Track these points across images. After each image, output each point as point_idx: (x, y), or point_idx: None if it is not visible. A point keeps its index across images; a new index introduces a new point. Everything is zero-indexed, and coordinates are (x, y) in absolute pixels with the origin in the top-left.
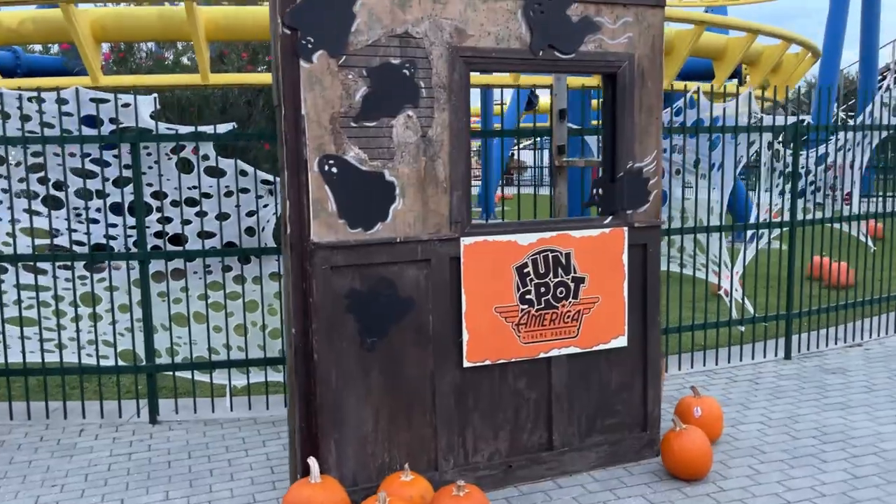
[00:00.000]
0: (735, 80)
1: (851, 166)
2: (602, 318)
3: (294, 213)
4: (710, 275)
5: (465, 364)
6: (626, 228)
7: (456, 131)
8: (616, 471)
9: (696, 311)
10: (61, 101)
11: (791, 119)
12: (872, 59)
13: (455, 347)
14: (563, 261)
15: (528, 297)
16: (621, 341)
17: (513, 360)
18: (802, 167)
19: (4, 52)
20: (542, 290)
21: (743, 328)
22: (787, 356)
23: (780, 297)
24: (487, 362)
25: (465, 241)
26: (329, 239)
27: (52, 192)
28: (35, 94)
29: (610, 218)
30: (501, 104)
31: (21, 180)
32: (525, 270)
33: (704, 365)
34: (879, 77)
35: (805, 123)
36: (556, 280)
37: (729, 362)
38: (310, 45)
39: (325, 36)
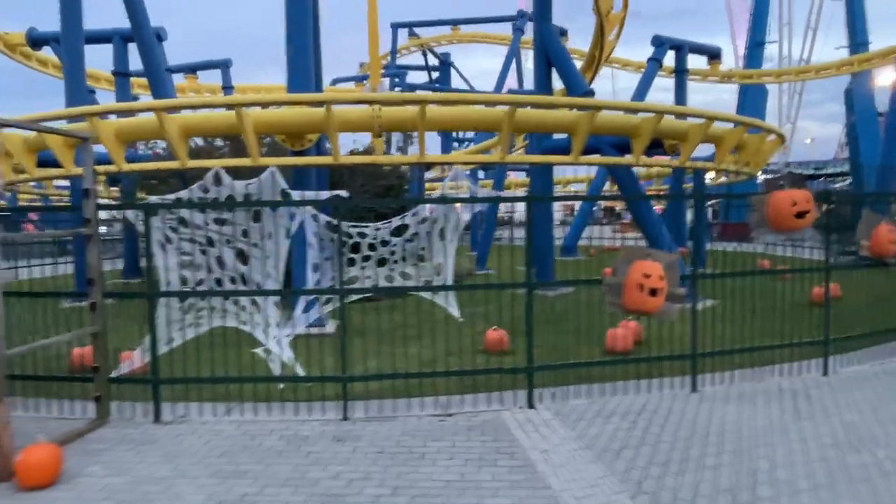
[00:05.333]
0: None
1: (442, 237)
2: None
3: None
4: (262, 334)
5: None
6: None
7: None
8: None
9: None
10: None
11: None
12: None
13: None
14: None
15: None
16: None
17: None
18: (375, 238)
19: None
20: None
21: (283, 385)
22: (345, 417)
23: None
24: None
25: None
26: None
27: None
28: None
29: None
30: None
31: None
32: None
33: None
34: None
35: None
36: None
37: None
38: None
39: None
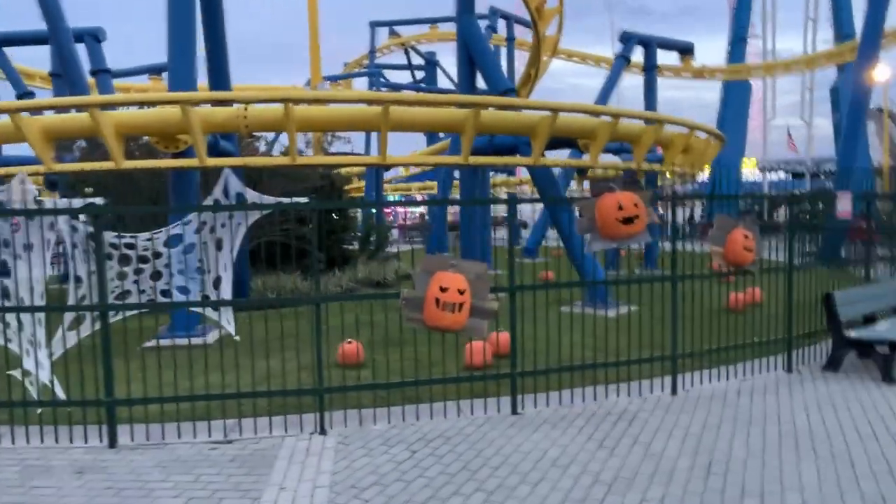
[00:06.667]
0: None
1: (219, 248)
2: None
3: None
4: (23, 353)
5: None
6: None
7: None
8: None
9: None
10: None
11: None
12: None
13: None
14: None
15: None
16: None
17: None
18: (146, 250)
19: None
20: None
21: (41, 410)
22: (112, 445)
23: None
24: None
25: None
26: None
27: None
28: None
29: None
30: None
31: None
32: None
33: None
34: None
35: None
36: None
37: (42, 442)
38: None
39: None
